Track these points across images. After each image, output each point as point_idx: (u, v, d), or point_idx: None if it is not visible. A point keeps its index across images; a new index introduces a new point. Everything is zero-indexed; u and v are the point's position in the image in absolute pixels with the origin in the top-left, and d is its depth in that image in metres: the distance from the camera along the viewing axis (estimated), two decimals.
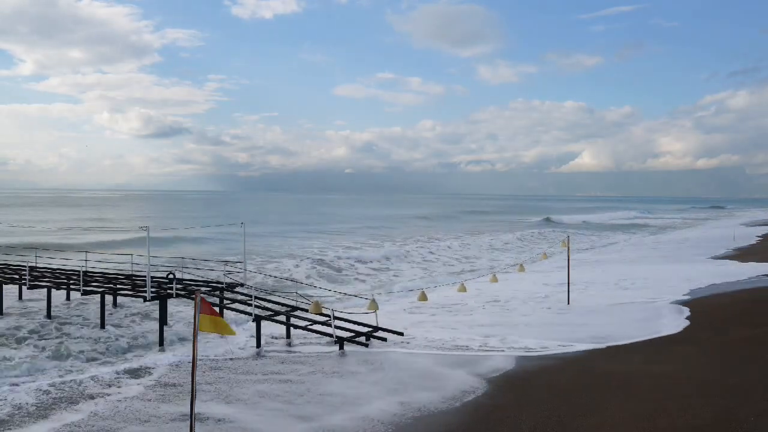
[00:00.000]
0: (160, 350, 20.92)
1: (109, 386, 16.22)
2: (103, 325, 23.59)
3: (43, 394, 15.43)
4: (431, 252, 57.69)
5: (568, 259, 30.47)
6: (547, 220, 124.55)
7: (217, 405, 14.33)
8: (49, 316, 25.15)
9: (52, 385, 16.24)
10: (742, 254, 50.48)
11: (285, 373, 17.39)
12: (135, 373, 17.54)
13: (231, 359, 19.18)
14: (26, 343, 21.41)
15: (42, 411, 14.19)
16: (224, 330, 10.13)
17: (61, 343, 21.23)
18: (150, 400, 14.87)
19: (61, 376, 17.32)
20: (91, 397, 15.17)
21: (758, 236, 72.93)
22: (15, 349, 20.54)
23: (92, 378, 16.97)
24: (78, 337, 22.12)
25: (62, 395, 15.38)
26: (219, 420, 13.33)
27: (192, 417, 10.45)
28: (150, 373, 17.52)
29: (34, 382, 16.67)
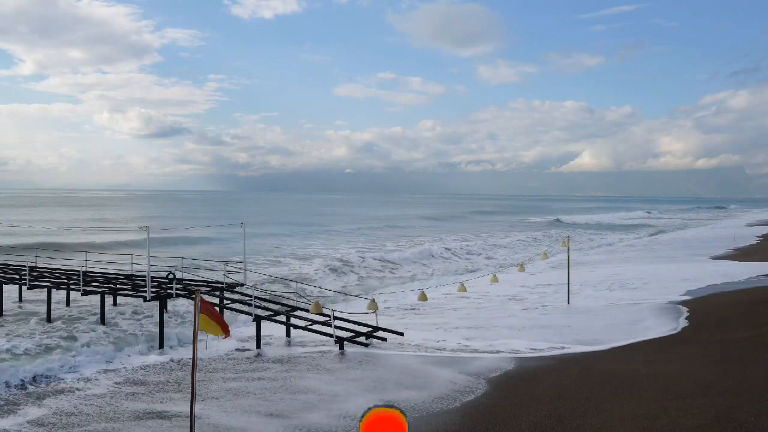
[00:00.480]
0: (159, 351, 20.93)
1: (84, 382, 16.59)
2: (103, 324, 23.57)
3: (18, 389, 15.80)
4: (447, 249, 57.49)
5: (568, 260, 30.51)
6: (558, 221, 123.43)
7: (186, 403, 14.47)
8: (48, 315, 25.12)
9: (32, 381, 16.51)
10: (742, 254, 50.47)
11: (262, 371, 17.54)
12: (113, 371, 17.83)
13: (230, 359, 19.17)
14: (21, 340, 21.42)
15: (11, 406, 14.48)
16: (213, 330, 10.09)
17: (57, 340, 21.22)
18: (118, 398, 15.13)
19: (43, 373, 17.50)
20: (62, 393, 15.54)
21: (758, 236, 72.93)
22: (8, 346, 20.57)
23: (74, 376, 17.29)
24: (74, 337, 22.10)
25: (37, 391, 15.72)
26: (187, 416, 13.48)
27: (192, 417, 10.44)
28: (124, 371, 17.85)
29: (16, 378, 16.88)
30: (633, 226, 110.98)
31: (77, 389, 15.99)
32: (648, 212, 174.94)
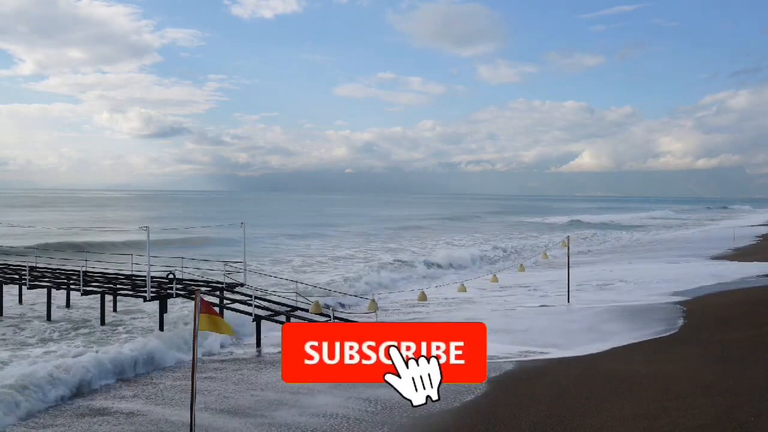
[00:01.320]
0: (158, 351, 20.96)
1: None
2: (103, 324, 23.56)
3: None
4: (484, 256, 54.74)
5: (568, 260, 30.48)
6: (577, 221, 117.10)
7: (127, 402, 14.83)
8: (48, 316, 25.12)
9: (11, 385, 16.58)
10: (741, 254, 50.47)
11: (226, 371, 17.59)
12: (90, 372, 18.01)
13: (224, 360, 19.17)
14: (15, 342, 21.46)
15: None
16: (222, 329, 10.09)
17: (51, 345, 21.24)
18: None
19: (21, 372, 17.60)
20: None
21: (757, 236, 72.87)
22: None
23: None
24: (67, 339, 22.10)
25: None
26: (129, 414, 13.78)
27: (192, 418, 10.44)
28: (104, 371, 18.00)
29: None
30: (650, 225, 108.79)
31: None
32: (672, 212, 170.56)
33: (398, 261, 47.99)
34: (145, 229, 22.19)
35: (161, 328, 22.18)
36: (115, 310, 26.62)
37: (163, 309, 22.61)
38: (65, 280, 26.70)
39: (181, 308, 26.78)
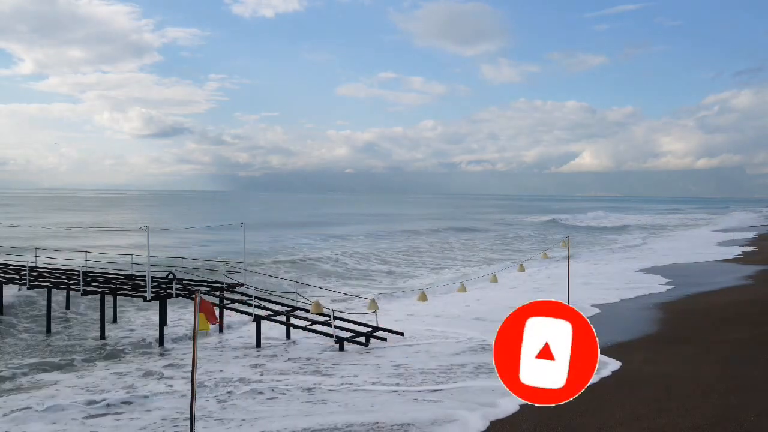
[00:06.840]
0: (160, 349, 21.00)
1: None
2: (102, 326, 23.52)
3: None
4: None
5: (568, 261, 30.45)
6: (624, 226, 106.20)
7: None
8: (48, 328, 24.75)
9: None
10: (741, 254, 50.44)
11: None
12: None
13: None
14: (10, 346, 21.46)
15: None
16: (201, 325, 9.95)
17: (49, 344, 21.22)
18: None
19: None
20: None
21: (756, 236, 72.79)
22: None
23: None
24: (63, 342, 22.05)
25: None
26: None
27: (192, 418, 10.45)
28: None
29: None
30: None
31: None
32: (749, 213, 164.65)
33: None
34: (145, 229, 22.19)
35: (161, 329, 22.16)
36: (115, 320, 25.86)
37: (163, 309, 22.57)
38: (65, 280, 26.64)
39: (179, 318, 26.78)
